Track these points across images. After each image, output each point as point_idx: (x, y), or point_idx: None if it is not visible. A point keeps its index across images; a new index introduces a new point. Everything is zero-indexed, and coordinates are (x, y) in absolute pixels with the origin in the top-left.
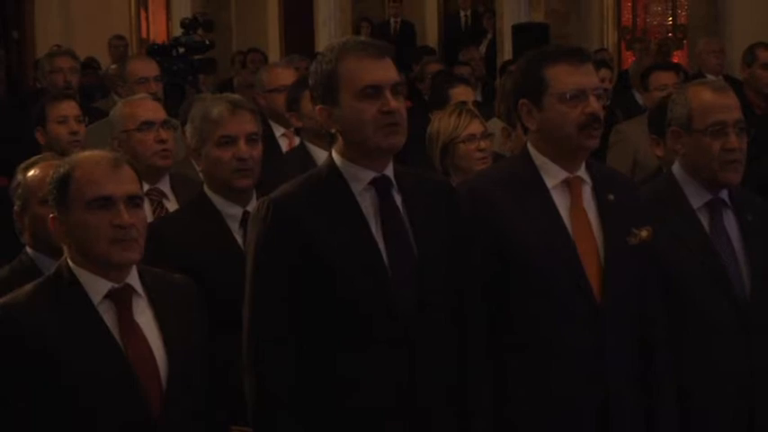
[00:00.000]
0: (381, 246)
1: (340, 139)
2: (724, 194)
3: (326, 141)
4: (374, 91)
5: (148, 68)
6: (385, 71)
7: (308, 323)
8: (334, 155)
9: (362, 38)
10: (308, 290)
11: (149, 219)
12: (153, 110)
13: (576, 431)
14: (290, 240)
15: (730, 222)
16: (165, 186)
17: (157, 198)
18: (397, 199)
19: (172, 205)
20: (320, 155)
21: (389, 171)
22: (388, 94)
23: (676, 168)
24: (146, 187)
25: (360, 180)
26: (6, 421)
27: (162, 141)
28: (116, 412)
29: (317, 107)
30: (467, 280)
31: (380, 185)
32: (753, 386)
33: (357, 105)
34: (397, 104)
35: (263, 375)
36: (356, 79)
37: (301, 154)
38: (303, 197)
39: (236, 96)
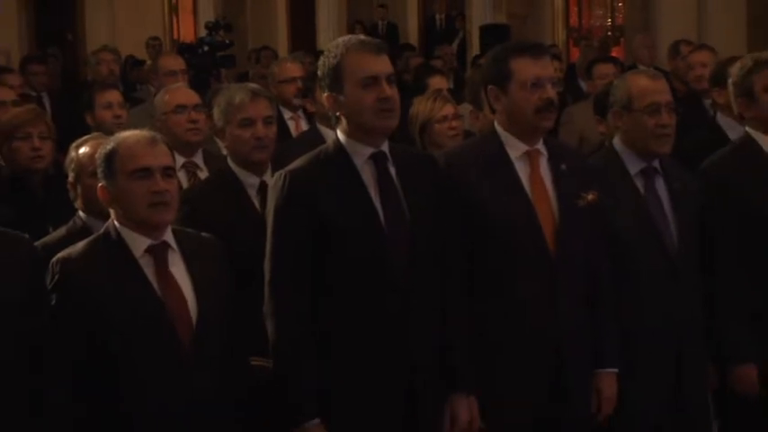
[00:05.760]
0: (379, 209)
1: (344, 120)
2: (656, 163)
3: (333, 123)
4: (373, 81)
5: (176, 63)
6: (382, 64)
7: (318, 274)
8: (339, 134)
9: (362, 36)
10: (319, 246)
11: (185, 186)
12: (186, 96)
13: (530, 374)
14: (303, 206)
15: (661, 187)
16: (198, 159)
17: (192, 169)
18: (392, 170)
19: (204, 176)
20: (330, 135)
21: (385, 147)
22: (384, 83)
23: (616, 141)
24: (182, 160)
25: (361, 155)
26: (62, 354)
27: (193, 121)
28: (153, 348)
29: (325, 95)
30: (449, 236)
31: (378, 159)
32: (681, 325)
33: (358, 93)
34: (392, 92)
35: (283, 320)
36: (358, 71)
37: (313, 134)
38: (314, 170)
39: (255, 86)
